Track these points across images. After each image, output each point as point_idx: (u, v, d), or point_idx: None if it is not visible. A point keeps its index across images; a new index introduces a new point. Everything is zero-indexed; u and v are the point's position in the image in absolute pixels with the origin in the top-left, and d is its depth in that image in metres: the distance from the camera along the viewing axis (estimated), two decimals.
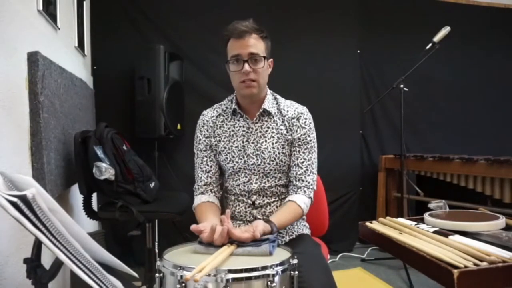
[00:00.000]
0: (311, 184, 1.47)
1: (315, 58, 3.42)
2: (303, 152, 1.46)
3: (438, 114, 3.80)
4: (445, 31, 2.72)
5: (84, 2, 2.68)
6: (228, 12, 3.15)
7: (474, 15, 3.89)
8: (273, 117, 1.48)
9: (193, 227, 1.22)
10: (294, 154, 1.46)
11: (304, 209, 1.43)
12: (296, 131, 1.46)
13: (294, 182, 1.46)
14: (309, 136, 1.47)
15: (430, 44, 2.74)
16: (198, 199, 1.51)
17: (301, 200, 1.43)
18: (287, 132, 1.46)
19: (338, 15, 3.52)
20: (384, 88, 3.10)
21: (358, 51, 3.58)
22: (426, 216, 1.34)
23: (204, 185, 1.53)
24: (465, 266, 0.91)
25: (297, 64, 3.31)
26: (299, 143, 1.46)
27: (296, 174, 1.45)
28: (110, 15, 3.00)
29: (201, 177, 1.53)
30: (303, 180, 1.45)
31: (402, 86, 2.82)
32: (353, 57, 3.57)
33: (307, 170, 1.46)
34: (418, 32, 3.46)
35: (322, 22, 3.45)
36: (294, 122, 1.47)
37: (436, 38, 2.72)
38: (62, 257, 0.80)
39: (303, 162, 1.46)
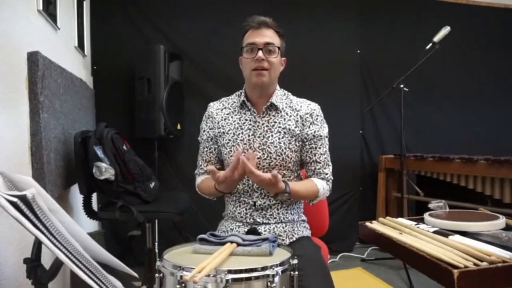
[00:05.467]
0: (329, 176, 1.52)
1: (315, 58, 3.42)
2: (319, 148, 1.50)
3: (438, 114, 3.80)
4: (445, 31, 2.72)
5: (84, 2, 2.68)
6: (228, 12, 3.15)
7: (474, 15, 3.89)
8: (280, 112, 1.49)
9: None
10: (311, 151, 1.50)
11: (320, 189, 1.46)
12: (309, 127, 1.49)
13: (313, 176, 1.51)
14: (323, 131, 1.51)
15: (430, 44, 2.75)
16: (201, 178, 1.59)
17: (319, 182, 1.48)
18: (297, 127, 1.48)
19: (339, 16, 3.52)
20: (384, 88, 3.10)
21: (358, 51, 3.59)
22: (426, 216, 1.34)
23: (204, 172, 1.60)
24: (465, 266, 0.91)
25: (297, 63, 3.30)
26: (314, 140, 1.49)
27: (315, 169, 1.50)
28: (110, 15, 3.00)
29: (201, 165, 1.60)
30: (321, 173, 1.51)
31: (402, 86, 2.82)
32: (353, 57, 3.57)
33: (325, 163, 1.51)
34: (418, 32, 3.46)
35: (322, 22, 3.46)
36: (307, 118, 1.49)
37: (436, 38, 2.73)
38: (62, 257, 0.80)
39: (320, 157, 1.50)
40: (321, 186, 1.48)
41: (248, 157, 1.28)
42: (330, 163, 1.54)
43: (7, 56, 1.36)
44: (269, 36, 1.43)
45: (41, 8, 1.72)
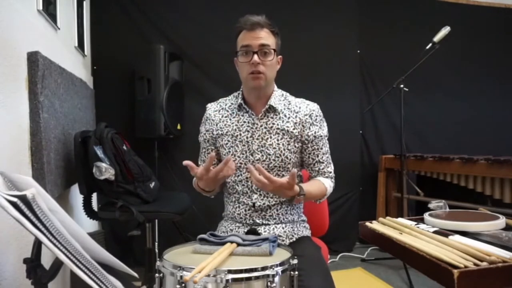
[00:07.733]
0: (332, 174, 1.54)
1: (315, 58, 3.43)
2: (321, 148, 1.50)
3: (438, 114, 3.80)
4: (445, 31, 2.72)
5: (84, 2, 2.68)
6: (229, 12, 3.15)
7: (474, 15, 3.89)
8: (279, 113, 1.48)
9: (186, 161, 1.25)
10: (314, 152, 1.50)
11: (328, 188, 1.49)
12: (309, 128, 1.48)
13: (317, 176, 1.53)
14: (323, 131, 1.51)
15: (430, 44, 2.75)
16: None
17: (325, 181, 1.50)
18: (295, 129, 1.47)
19: (338, 16, 3.52)
20: (384, 88, 3.09)
21: (358, 51, 3.59)
22: (426, 216, 1.34)
23: None
24: (465, 266, 0.91)
25: (297, 63, 3.31)
26: (316, 140, 1.49)
27: (319, 169, 1.51)
28: (110, 15, 3.00)
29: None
30: (325, 172, 1.52)
31: (402, 86, 2.82)
32: (353, 57, 3.57)
33: (327, 162, 1.53)
34: (418, 32, 3.46)
35: (322, 22, 3.46)
36: (307, 119, 1.48)
37: (436, 38, 2.73)
38: (62, 257, 0.80)
39: (322, 156, 1.51)
40: (328, 184, 1.50)
41: (227, 161, 1.25)
42: (331, 161, 1.55)
43: (7, 56, 1.36)
44: (263, 37, 1.40)
45: (41, 8, 1.72)
